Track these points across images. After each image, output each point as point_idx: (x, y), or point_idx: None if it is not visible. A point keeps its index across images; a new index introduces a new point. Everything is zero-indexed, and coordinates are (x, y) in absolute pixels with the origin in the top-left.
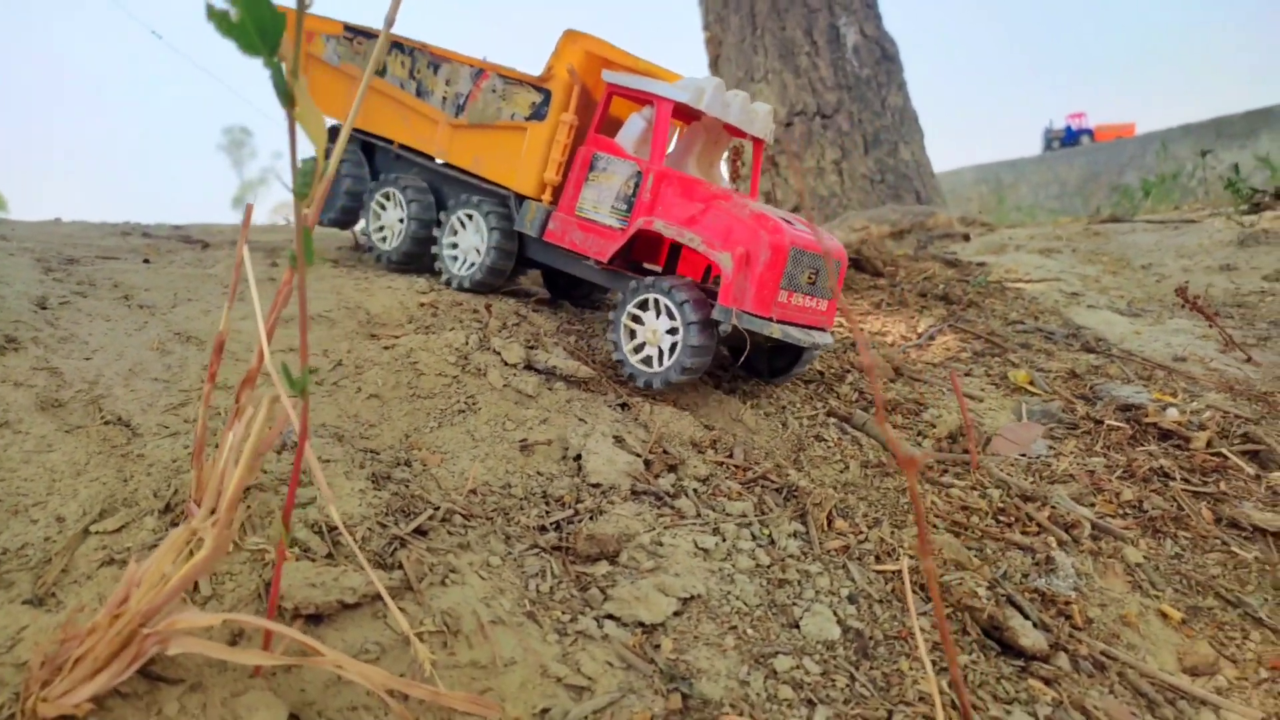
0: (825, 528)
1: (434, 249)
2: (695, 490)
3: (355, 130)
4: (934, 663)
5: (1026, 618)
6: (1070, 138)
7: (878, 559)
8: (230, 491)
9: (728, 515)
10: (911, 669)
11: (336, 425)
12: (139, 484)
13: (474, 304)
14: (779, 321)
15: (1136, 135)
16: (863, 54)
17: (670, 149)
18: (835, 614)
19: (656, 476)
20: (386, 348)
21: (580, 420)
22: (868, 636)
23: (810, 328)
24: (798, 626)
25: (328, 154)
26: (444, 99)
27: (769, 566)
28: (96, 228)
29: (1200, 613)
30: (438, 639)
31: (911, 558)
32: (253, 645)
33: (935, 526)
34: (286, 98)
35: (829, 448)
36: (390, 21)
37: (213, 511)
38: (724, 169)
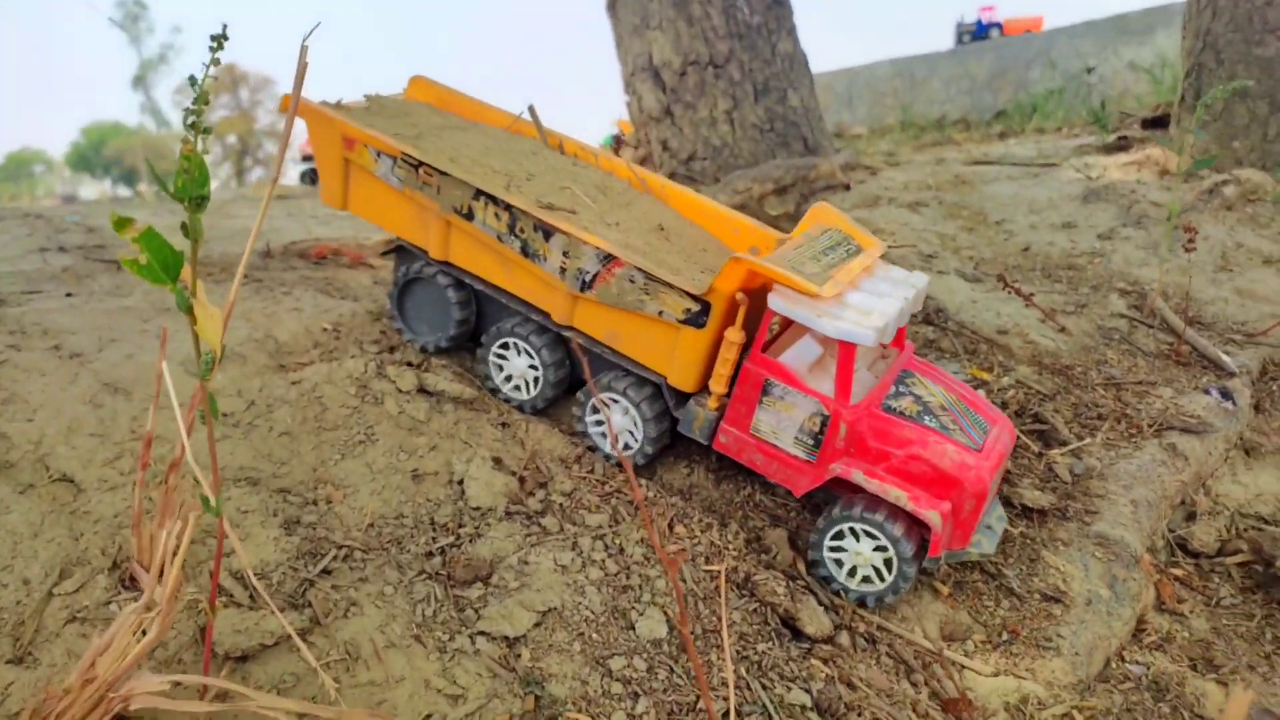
0: (666, 533)
1: (576, 419)
2: (560, 505)
3: (445, 263)
4: (737, 652)
5: (820, 603)
6: (980, 31)
7: (707, 560)
8: (168, 591)
9: (586, 528)
10: (718, 659)
11: (252, 467)
12: (88, 542)
13: (373, 330)
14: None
15: (1044, 30)
16: (753, 0)
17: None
18: (665, 614)
19: (529, 494)
20: (294, 383)
21: (465, 444)
22: (689, 633)
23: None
24: (634, 629)
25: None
26: (562, 269)
27: (616, 574)
28: (13, 240)
29: (965, 586)
30: (341, 665)
31: (734, 558)
32: (193, 693)
33: (763, 520)
34: (188, 311)
35: (678, 454)
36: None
37: (154, 599)
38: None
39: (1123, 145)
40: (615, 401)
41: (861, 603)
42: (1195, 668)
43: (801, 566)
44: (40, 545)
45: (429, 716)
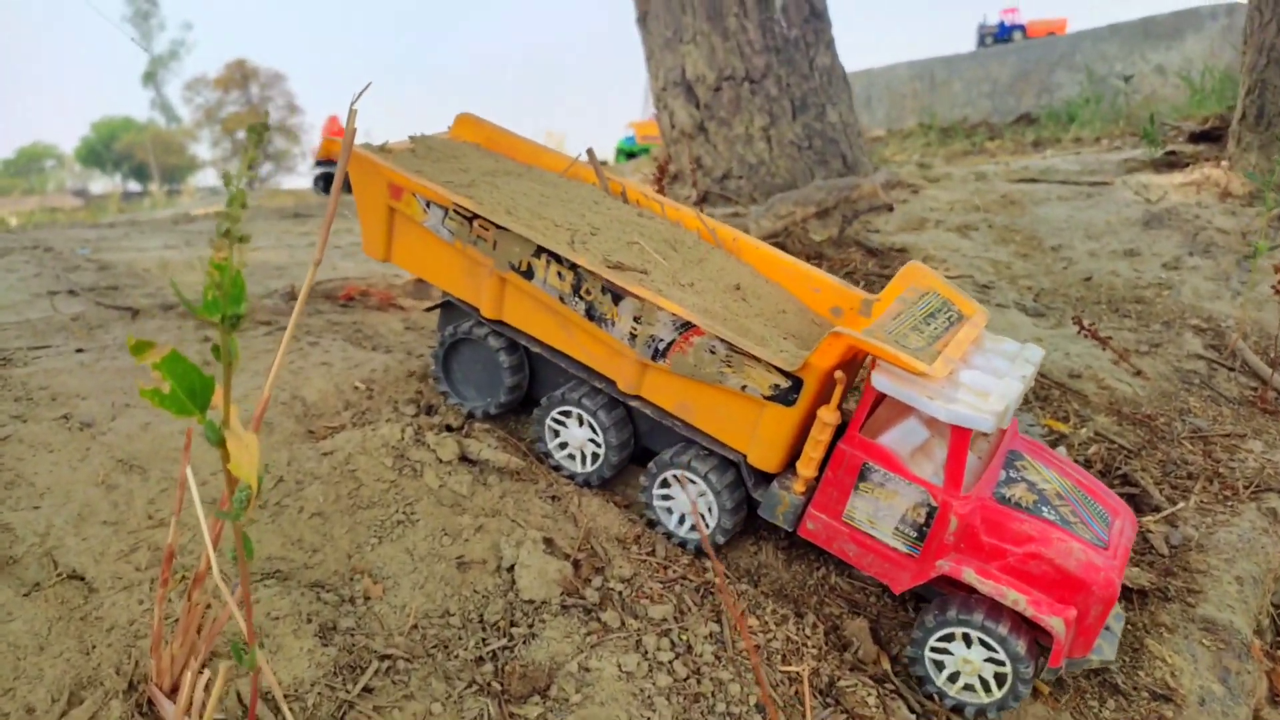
0: (736, 628)
1: (642, 489)
2: (620, 594)
3: (498, 323)
4: None
5: (911, 710)
6: (1003, 33)
7: (784, 659)
8: None
9: (649, 622)
10: None
11: (282, 557)
12: (101, 656)
13: (409, 389)
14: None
15: (1067, 33)
16: (791, 13)
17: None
18: None
19: (585, 582)
20: (326, 454)
21: (513, 523)
22: None
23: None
24: None
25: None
26: (632, 335)
27: (685, 680)
28: (20, 281)
29: (1065, 683)
30: None
31: (815, 657)
32: None
33: (841, 608)
34: (220, 445)
35: (742, 529)
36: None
37: None
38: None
39: (1173, 162)
40: (691, 482)
41: (958, 710)
42: None
43: (886, 664)
44: (46, 662)
45: None
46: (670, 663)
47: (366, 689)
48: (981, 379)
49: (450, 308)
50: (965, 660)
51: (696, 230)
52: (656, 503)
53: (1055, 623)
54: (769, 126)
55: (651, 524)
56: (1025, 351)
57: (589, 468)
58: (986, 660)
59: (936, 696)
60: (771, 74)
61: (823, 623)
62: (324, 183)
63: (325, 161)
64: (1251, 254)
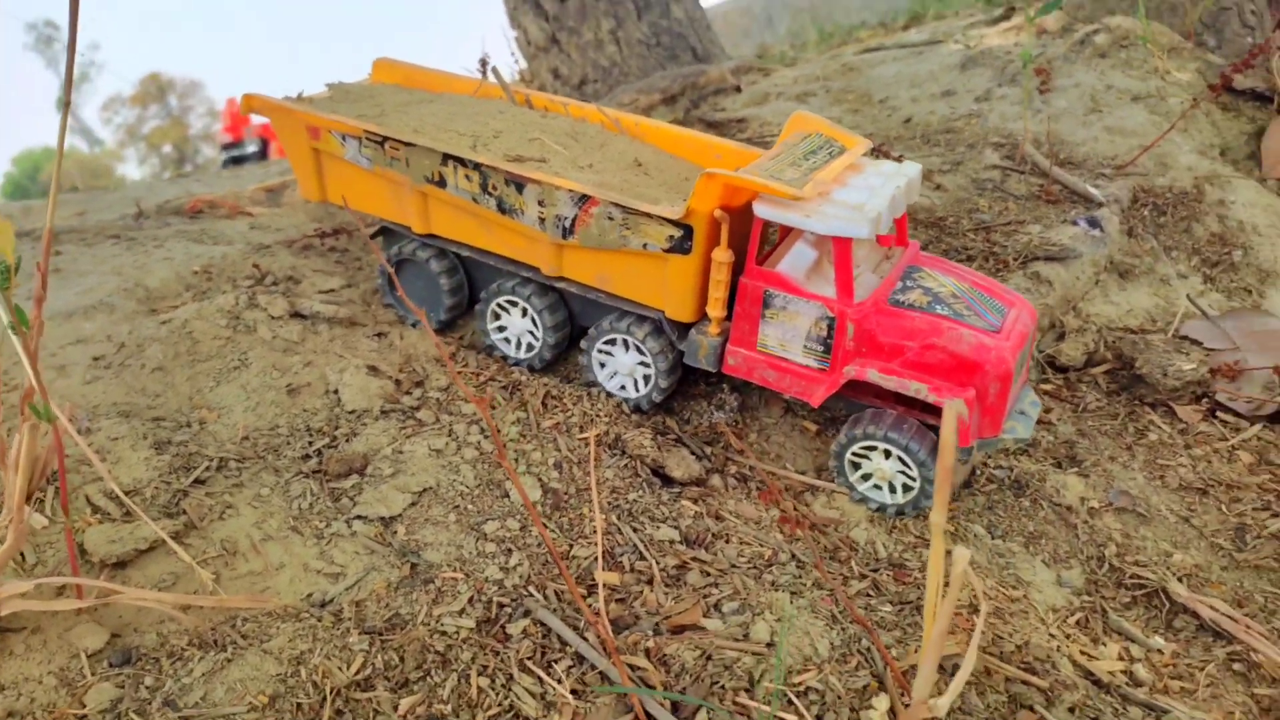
0: (541, 411)
1: (587, 375)
2: (436, 400)
3: (428, 236)
4: (609, 503)
5: (692, 453)
6: None
7: (581, 429)
8: (15, 500)
9: (461, 416)
10: (589, 512)
11: (125, 402)
12: None
13: (246, 267)
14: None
15: None
16: None
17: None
18: (540, 480)
19: (405, 393)
20: (164, 322)
21: (339, 357)
22: (563, 493)
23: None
24: (508, 496)
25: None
26: (541, 219)
27: (491, 453)
28: None
29: (834, 423)
30: (220, 561)
31: (606, 423)
32: (70, 596)
33: None
34: None
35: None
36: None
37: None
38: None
39: (1009, 15)
40: (622, 343)
41: (901, 513)
42: (1060, 465)
43: (673, 424)
44: None
45: (310, 595)
46: (478, 442)
47: (199, 481)
48: (856, 195)
49: (388, 232)
50: (880, 469)
51: (600, 123)
52: (600, 374)
53: (956, 404)
54: (616, 29)
55: (592, 384)
56: (903, 169)
57: (534, 353)
58: (899, 471)
59: (847, 490)
60: None
61: (616, 398)
62: (233, 163)
63: (231, 145)
64: (1024, 66)
